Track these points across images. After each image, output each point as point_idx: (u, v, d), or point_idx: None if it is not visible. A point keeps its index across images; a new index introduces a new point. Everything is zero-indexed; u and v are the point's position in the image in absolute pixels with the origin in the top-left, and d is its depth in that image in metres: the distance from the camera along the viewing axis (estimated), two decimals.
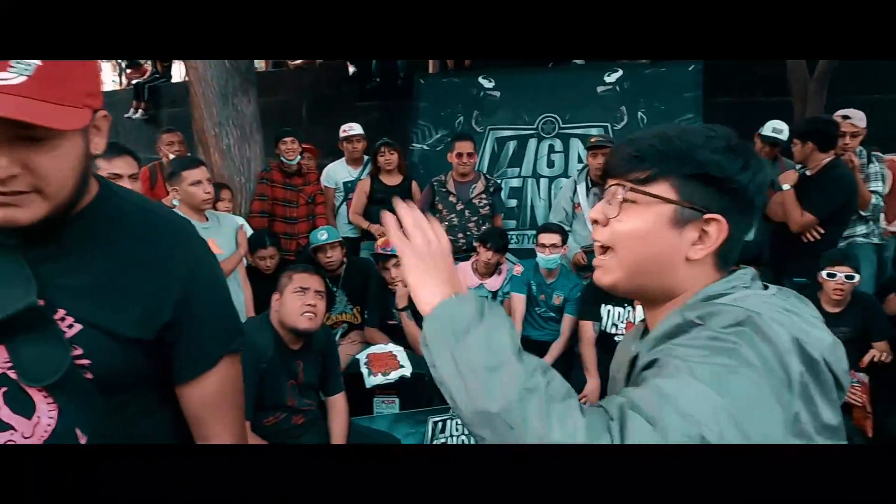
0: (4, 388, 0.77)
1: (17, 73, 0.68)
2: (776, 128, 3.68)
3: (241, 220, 3.50)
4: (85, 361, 0.79)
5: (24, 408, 0.78)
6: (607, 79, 4.44)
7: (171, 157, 3.70)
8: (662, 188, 0.72)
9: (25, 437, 0.79)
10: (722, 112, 5.20)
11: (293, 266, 2.34)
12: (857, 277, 2.72)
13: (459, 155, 3.70)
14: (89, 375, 0.79)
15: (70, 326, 0.78)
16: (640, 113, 4.34)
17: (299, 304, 2.09)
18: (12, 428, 0.78)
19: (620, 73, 4.43)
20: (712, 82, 4.74)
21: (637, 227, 0.73)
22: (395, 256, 3.06)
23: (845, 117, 3.33)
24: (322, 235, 3.27)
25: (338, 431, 2.29)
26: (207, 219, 2.74)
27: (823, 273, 2.76)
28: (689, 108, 4.20)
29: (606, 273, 0.76)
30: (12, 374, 0.77)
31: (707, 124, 0.77)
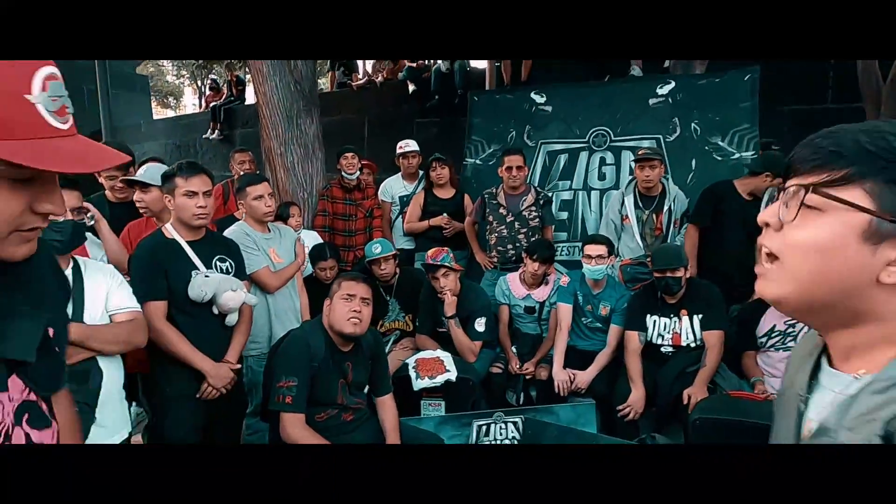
0: (27, 415, 0.82)
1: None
2: None
3: (299, 233, 3.77)
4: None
5: (43, 421, 0.85)
6: (660, 91, 4.43)
7: (242, 174, 4.00)
8: (857, 194, 0.60)
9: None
10: (787, 120, 5.09)
11: (343, 274, 2.51)
12: None
13: (509, 169, 3.82)
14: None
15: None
16: (693, 124, 4.30)
17: (346, 309, 2.26)
18: (41, 444, 0.84)
19: (673, 84, 4.42)
20: (774, 89, 4.64)
21: (818, 237, 0.61)
22: (444, 266, 3.20)
23: None
24: (376, 249, 3.45)
25: (390, 428, 2.43)
26: (269, 230, 2.98)
27: None
28: (745, 118, 4.14)
29: (771, 285, 0.66)
30: (32, 397, 0.82)
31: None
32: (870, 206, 0.59)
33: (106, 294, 1.92)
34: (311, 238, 3.76)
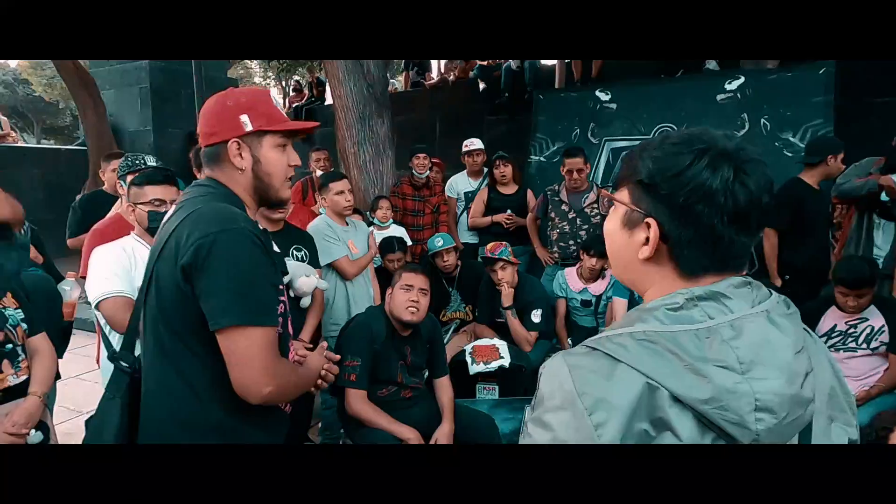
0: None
1: None
2: None
3: (388, 225, 4.02)
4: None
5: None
6: (728, 86, 4.38)
7: (319, 172, 4.33)
8: (622, 193, 0.79)
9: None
10: (865, 115, 4.85)
11: (406, 265, 2.74)
12: None
13: (570, 172, 3.92)
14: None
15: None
16: (763, 120, 4.22)
17: (405, 298, 2.48)
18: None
19: (742, 80, 4.35)
20: (855, 83, 4.45)
21: (608, 227, 0.83)
22: (502, 260, 3.37)
23: None
24: (438, 242, 3.66)
25: (446, 406, 2.64)
26: (348, 223, 3.26)
27: None
28: (818, 113, 4.02)
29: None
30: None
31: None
32: (625, 201, 0.77)
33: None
34: (397, 232, 4.00)
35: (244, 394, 1.15)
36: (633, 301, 3.45)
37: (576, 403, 0.67)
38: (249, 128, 1.25)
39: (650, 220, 0.74)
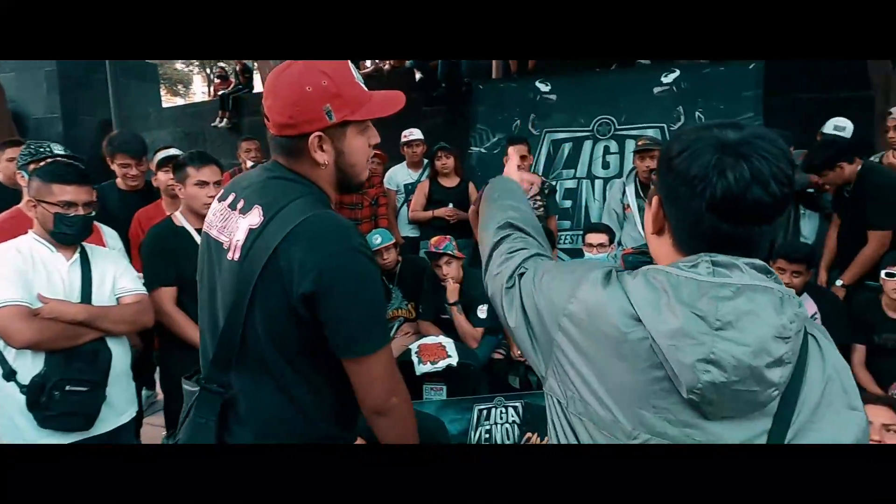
0: None
1: None
2: (837, 125, 3.58)
3: None
4: None
5: None
6: (664, 79, 4.44)
7: (249, 163, 4.06)
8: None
9: None
10: (792, 110, 5.06)
11: None
12: None
13: None
14: None
15: None
16: (697, 113, 4.31)
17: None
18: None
19: (678, 73, 4.43)
20: (783, 79, 4.62)
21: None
22: (447, 255, 3.25)
23: (889, 113, 3.26)
24: (376, 239, 3.47)
25: None
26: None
27: (883, 273, 2.69)
28: (749, 108, 4.14)
29: None
30: None
31: (710, 121, 0.81)
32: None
33: (113, 278, 1.99)
34: None
35: (375, 410, 1.13)
36: None
37: (575, 271, 0.88)
38: (333, 120, 1.10)
39: (655, 196, 0.84)
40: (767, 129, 0.80)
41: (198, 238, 2.36)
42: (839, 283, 3.13)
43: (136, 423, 3.01)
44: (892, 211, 2.97)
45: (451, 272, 3.27)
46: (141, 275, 2.21)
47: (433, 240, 3.39)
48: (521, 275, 0.97)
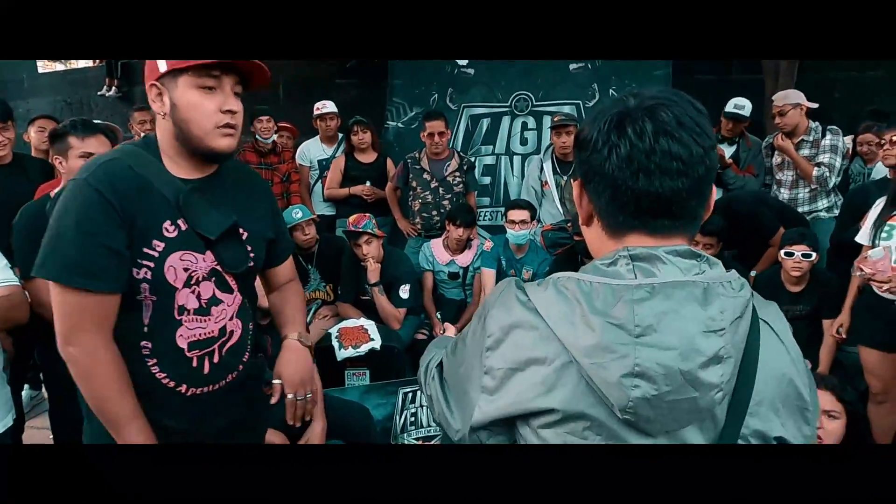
0: (214, 278, 1.25)
1: None
2: (738, 104, 3.77)
3: None
4: (252, 255, 1.30)
5: (227, 288, 1.28)
6: None
7: (143, 136, 3.69)
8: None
9: (228, 306, 1.28)
10: (694, 90, 5.28)
11: None
12: (815, 255, 2.78)
13: (431, 135, 3.73)
14: (251, 264, 1.31)
15: (244, 234, 1.29)
16: (611, 90, 4.39)
17: None
18: (223, 302, 1.27)
19: None
20: (685, 61, 4.80)
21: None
22: (367, 233, 3.11)
23: (771, 100, 3.59)
24: (296, 214, 3.30)
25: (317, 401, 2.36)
26: None
27: (782, 252, 2.83)
28: (659, 86, 4.26)
29: None
30: (219, 268, 1.25)
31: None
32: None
33: None
34: None
35: (59, 344, 1.14)
36: (501, 272, 3.41)
37: (483, 316, 0.76)
38: (163, 69, 1.14)
39: (576, 182, 0.78)
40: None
41: None
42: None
43: (17, 428, 2.68)
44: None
45: (371, 251, 3.14)
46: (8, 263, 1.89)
47: (351, 218, 3.24)
48: (439, 364, 0.89)
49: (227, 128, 1.17)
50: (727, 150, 3.80)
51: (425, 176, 3.81)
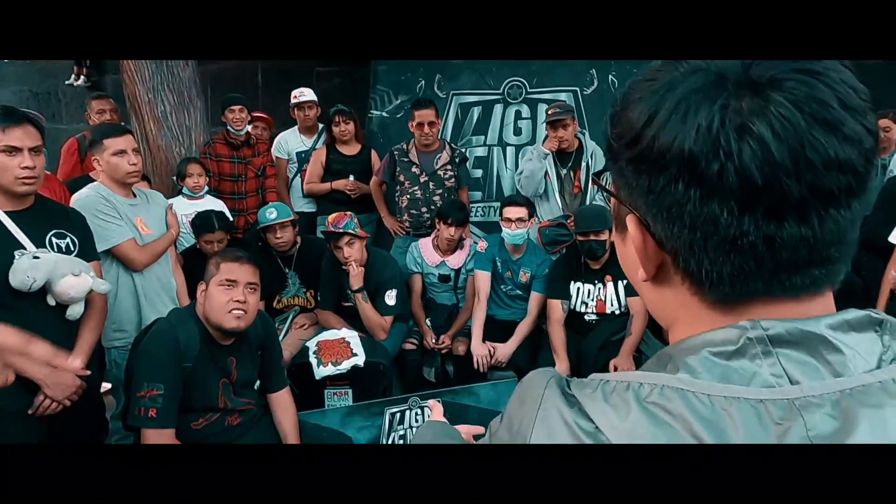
0: None
1: None
2: None
3: (202, 195, 3.28)
4: None
5: None
6: None
7: (100, 124, 3.36)
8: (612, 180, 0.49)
9: None
10: None
11: (224, 252, 2.05)
12: None
13: (420, 125, 3.42)
14: None
15: None
16: (611, 76, 4.11)
17: (226, 299, 1.84)
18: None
19: None
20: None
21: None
22: (348, 234, 2.81)
23: None
24: (271, 214, 2.99)
25: (288, 430, 2.08)
26: (135, 195, 2.46)
27: None
28: None
29: None
30: None
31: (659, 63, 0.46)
32: (612, 190, 0.49)
33: None
34: (214, 205, 3.27)
35: None
36: (496, 274, 3.13)
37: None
38: None
39: (630, 214, 0.46)
40: None
41: (9, 224, 1.81)
42: None
43: None
44: None
45: (353, 254, 2.84)
46: None
47: (331, 217, 2.93)
48: None
49: None
50: None
51: (414, 169, 3.51)
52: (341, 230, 2.81)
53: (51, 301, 1.85)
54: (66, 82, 7.48)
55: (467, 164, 3.83)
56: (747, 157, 0.37)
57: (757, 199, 0.38)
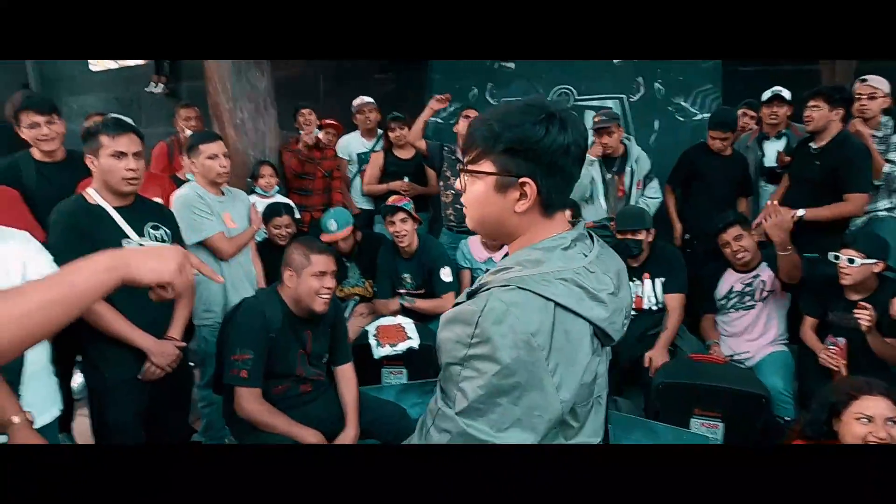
0: None
1: None
2: (775, 90, 3.62)
3: (272, 194, 3.59)
4: None
5: None
6: None
7: (188, 132, 3.76)
8: (486, 164, 0.93)
9: None
10: (743, 81, 5.08)
11: (308, 243, 2.33)
12: (861, 262, 2.44)
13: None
14: None
15: None
16: (657, 84, 4.25)
17: (318, 286, 2.14)
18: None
19: None
20: None
21: (476, 196, 0.95)
22: (403, 210, 3.09)
23: (863, 80, 3.25)
24: (332, 226, 3.21)
25: (350, 401, 2.35)
26: (223, 193, 2.80)
27: (830, 256, 2.55)
28: (707, 78, 4.11)
29: (469, 223, 1.01)
30: None
31: (529, 98, 0.94)
32: (492, 170, 0.92)
33: (23, 263, 1.71)
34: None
35: None
36: None
37: (531, 343, 0.82)
38: None
39: (526, 179, 0.90)
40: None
41: (117, 217, 2.09)
42: (801, 212, 2.95)
43: (67, 416, 2.77)
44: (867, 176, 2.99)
45: (405, 229, 3.12)
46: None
47: (392, 198, 3.27)
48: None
49: None
50: (777, 146, 3.64)
51: (460, 167, 3.75)
52: (400, 206, 3.11)
53: None
54: (146, 89, 8.09)
55: None
56: (580, 143, 0.92)
57: (578, 159, 0.93)
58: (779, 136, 3.67)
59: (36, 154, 2.63)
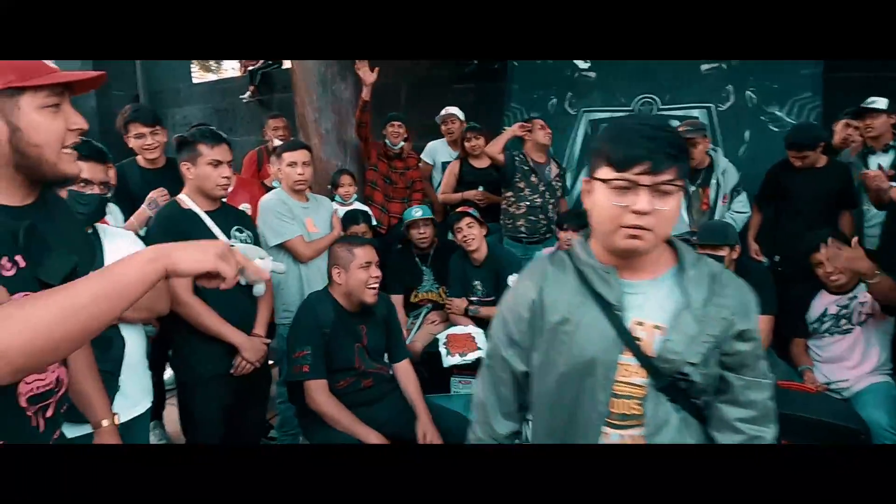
0: None
1: None
2: (867, 102, 3.33)
3: (351, 202, 3.68)
4: None
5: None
6: None
7: (277, 141, 3.95)
8: (675, 177, 0.99)
9: None
10: (846, 89, 4.71)
11: (349, 240, 2.42)
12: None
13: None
14: None
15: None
16: (748, 92, 4.03)
17: (366, 277, 2.25)
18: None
19: None
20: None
21: (675, 209, 0.99)
22: (470, 216, 3.11)
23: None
24: (416, 212, 3.38)
25: (413, 394, 2.40)
26: (308, 199, 2.93)
27: None
28: (807, 86, 3.85)
29: (646, 244, 1.01)
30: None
31: (652, 115, 0.86)
32: (681, 183, 0.97)
33: None
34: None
35: None
36: None
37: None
38: None
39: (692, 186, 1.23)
40: None
41: (207, 221, 2.24)
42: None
43: (159, 406, 2.98)
44: None
45: (472, 234, 3.13)
46: None
47: (459, 208, 3.31)
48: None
49: (70, 149, 1.04)
50: (884, 160, 3.34)
51: (533, 178, 3.73)
52: (469, 213, 3.14)
53: (242, 280, 2.32)
54: (241, 97, 8.59)
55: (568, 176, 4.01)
56: None
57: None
58: (886, 150, 3.37)
59: (141, 161, 2.87)
